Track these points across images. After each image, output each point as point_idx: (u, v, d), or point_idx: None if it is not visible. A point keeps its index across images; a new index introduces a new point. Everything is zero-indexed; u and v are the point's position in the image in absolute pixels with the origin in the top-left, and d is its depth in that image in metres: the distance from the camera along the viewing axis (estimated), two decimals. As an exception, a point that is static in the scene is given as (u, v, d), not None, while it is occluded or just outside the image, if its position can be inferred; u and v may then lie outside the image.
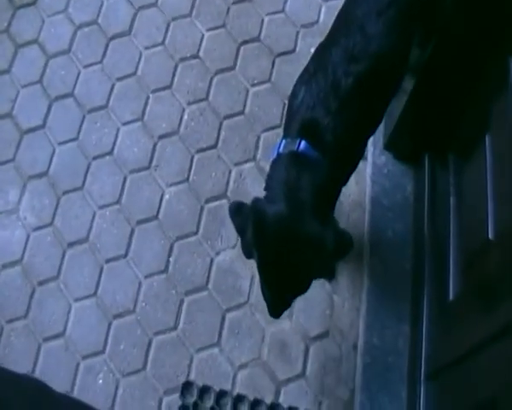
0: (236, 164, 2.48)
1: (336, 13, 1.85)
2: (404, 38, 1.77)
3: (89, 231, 2.41)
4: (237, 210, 1.66)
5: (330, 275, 2.27)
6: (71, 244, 2.40)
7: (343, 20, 1.80)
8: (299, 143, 1.63)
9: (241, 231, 1.65)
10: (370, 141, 2.38)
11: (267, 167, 1.74)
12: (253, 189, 2.42)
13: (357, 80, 1.65)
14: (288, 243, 1.55)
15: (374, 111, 1.80)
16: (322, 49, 1.78)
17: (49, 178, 2.50)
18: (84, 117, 2.59)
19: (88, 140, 2.55)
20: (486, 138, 1.77)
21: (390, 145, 2.38)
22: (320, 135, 1.63)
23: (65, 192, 2.48)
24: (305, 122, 1.66)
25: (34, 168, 2.52)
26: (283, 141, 1.68)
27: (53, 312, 2.31)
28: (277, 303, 1.70)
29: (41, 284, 2.35)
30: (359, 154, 1.91)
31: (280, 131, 2.46)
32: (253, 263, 1.70)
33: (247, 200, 1.65)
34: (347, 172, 1.90)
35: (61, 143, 2.55)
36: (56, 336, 2.28)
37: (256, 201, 1.62)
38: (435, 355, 1.95)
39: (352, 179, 2.30)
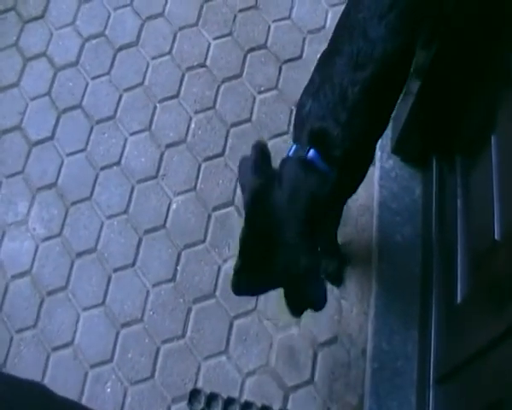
0: (243, 171, 2.47)
1: (342, 18, 1.84)
2: (408, 39, 1.74)
3: (97, 241, 2.42)
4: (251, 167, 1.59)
5: (338, 281, 2.25)
6: (79, 254, 2.41)
7: (345, 25, 1.77)
8: (309, 151, 1.61)
9: (242, 186, 1.62)
10: (378, 145, 2.36)
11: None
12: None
13: (363, 88, 1.62)
14: (270, 234, 1.50)
15: (381, 116, 1.78)
16: (327, 58, 1.76)
17: (58, 190, 2.51)
18: (92, 128, 2.61)
19: (96, 151, 2.57)
20: (492, 138, 1.75)
21: (397, 149, 2.37)
22: (329, 146, 1.61)
23: (73, 203, 2.49)
24: (314, 131, 1.63)
25: (43, 180, 2.54)
26: (294, 146, 1.67)
27: (62, 321, 2.31)
28: (242, 279, 1.59)
29: (50, 294, 2.36)
30: (369, 161, 1.87)
31: (287, 137, 2.46)
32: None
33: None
34: (357, 180, 1.87)
35: (69, 155, 2.57)
36: (65, 346, 2.28)
37: (264, 172, 1.57)
38: (444, 359, 1.92)
39: (360, 183, 2.29)
